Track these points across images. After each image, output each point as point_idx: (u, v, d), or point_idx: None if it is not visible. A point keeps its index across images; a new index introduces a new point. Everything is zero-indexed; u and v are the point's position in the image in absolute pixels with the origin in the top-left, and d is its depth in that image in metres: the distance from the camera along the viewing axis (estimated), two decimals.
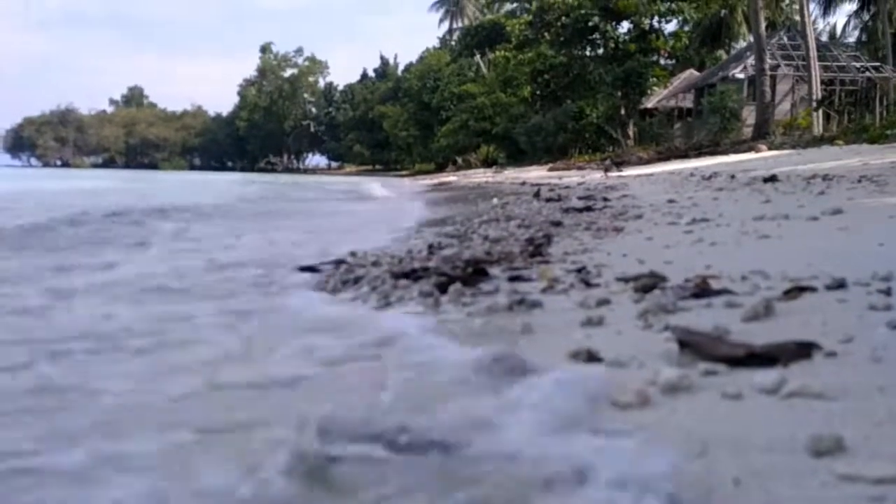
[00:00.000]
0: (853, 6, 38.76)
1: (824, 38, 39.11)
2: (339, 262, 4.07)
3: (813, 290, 2.28)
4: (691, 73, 38.20)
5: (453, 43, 60.21)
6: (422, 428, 1.32)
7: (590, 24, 34.12)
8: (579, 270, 3.07)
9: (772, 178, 9.32)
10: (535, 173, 27.58)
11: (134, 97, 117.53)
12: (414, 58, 75.54)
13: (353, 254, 4.37)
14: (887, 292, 2.16)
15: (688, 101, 36.00)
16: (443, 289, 2.78)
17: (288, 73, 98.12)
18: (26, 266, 4.51)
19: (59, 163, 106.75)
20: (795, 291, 2.26)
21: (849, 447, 1.15)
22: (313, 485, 1.18)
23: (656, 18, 34.80)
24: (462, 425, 1.34)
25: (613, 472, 1.10)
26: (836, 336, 1.73)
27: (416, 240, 5.63)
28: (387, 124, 66.92)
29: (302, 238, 6.49)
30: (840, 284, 2.31)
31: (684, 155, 24.79)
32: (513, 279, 3.01)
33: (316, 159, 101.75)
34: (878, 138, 17.74)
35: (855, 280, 2.36)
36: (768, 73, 27.23)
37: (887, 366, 1.53)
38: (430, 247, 4.75)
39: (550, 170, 29.00)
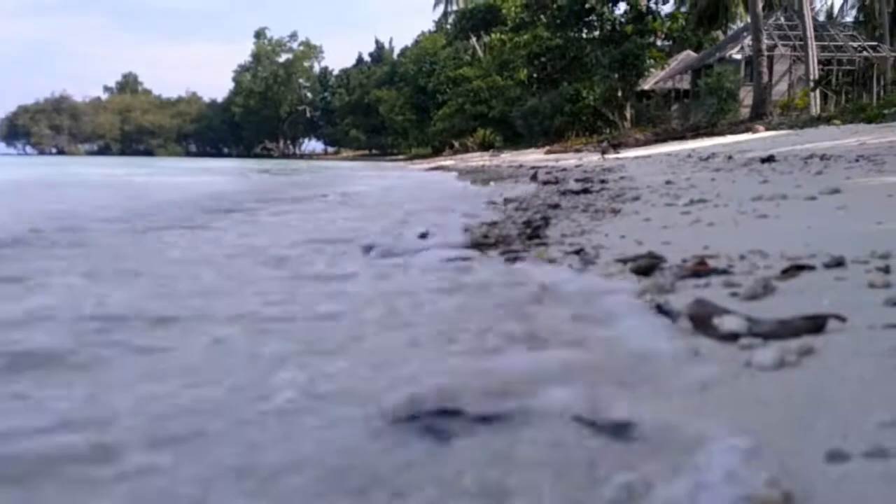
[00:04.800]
0: None
1: (821, 17, 38.96)
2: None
3: (811, 268, 2.28)
4: (688, 55, 38.04)
5: (449, 26, 59.84)
6: None
7: (586, 5, 33.92)
8: (577, 252, 3.06)
9: (769, 159, 9.28)
10: (533, 156, 27.52)
11: (128, 84, 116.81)
12: (409, 41, 75.35)
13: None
14: (886, 270, 2.16)
15: (685, 83, 35.87)
16: None
17: (283, 58, 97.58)
18: None
19: (54, 150, 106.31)
20: (794, 270, 2.25)
21: None
22: None
23: (653, 0, 34.64)
24: None
25: None
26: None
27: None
28: (383, 109, 66.74)
29: None
30: (838, 263, 2.30)
31: (681, 136, 24.74)
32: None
33: (312, 144, 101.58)
34: (875, 118, 17.72)
35: (853, 258, 2.35)
36: (765, 53, 27.12)
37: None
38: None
39: (547, 153, 28.98)
